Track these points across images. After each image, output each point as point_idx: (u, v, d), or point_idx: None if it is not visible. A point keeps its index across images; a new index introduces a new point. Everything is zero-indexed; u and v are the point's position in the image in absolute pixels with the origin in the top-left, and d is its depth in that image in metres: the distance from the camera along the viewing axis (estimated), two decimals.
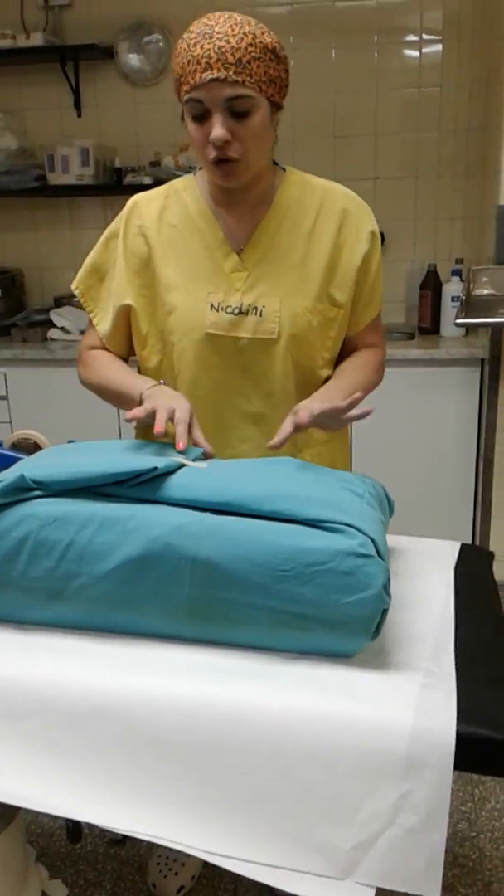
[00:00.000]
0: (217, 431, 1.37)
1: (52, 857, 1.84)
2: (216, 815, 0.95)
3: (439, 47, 3.09)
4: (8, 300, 3.37)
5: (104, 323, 1.47)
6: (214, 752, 0.94)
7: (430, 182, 3.23)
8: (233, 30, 1.18)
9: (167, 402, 1.21)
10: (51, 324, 3.26)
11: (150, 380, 1.37)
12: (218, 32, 1.18)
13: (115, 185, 3.30)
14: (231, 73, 1.18)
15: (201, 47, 1.18)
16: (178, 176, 3.09)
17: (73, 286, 1.52)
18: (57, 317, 3.25)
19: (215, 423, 1.39)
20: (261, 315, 1.36)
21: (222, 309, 1.36)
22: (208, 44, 1.18)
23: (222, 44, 1.17)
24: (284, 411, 1.32)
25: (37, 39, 3.12)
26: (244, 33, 1.19)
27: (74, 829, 1.86)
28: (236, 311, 1.36)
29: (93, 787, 0.98)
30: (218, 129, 1.21)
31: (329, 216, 1.38)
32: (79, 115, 3.36)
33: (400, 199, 3.26)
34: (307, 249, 1.37)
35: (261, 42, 1.20)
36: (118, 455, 1.20)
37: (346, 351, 1.47)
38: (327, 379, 1.44)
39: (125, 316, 1.44)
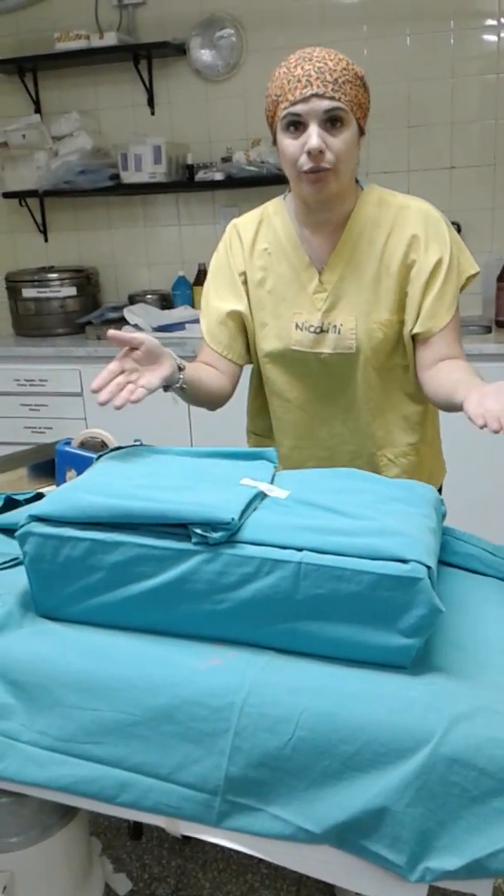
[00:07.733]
0: (307, 431, 1.55)
1: (118, 850, 1.86)
2: None
3: None
4: (83, 298, 3.43)
5: (209, 322, 1.54)
6: None
7: None
8: (329, 55, 1.31)
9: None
10: (125, 321, 3.30)
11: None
12: (317, 57, 1.30)
13: (187, 182, 3.31)
14: (329, 89, 1.28)
15: (301, 68, 1.29)
16: (249, 172, 3.11)
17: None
18: (130, 314, 3.28)
19: (306, 425, 1.55)
20: (339, 332, 1.46)
21: (305, 328, 1.48)
22: (308, 65, 1.29)
23: (321, 65, 1.29)
24: (367, 411, 1.50)
25: (111, 39, 3.14)
26: (339, 59, 1.31)
27: (135, 826, 1.87)
28: (317, 329, 1.47)
29: None
30: (314, 139, 1.30)
31: (400, 236, 1.43)
32: (152, 113, 3.38)
33: (477, 188, 3.17)
34: (380, 267, 1.44)
35: (353, 69, 1.32)
36: (184, 488, 1.12)
37: (427, 358, 1.45)
38: (404, 373, 1.50)
39: (235, 318, 1.53)
